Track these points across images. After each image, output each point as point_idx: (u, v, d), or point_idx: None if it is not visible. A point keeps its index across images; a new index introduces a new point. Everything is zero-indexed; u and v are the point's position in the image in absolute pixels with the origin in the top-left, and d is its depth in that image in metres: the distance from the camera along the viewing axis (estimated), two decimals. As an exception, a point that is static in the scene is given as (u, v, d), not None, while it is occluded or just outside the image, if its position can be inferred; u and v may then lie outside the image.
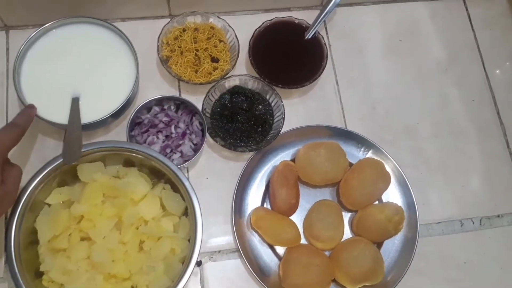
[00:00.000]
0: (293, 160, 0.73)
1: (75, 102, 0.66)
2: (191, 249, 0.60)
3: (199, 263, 0.59)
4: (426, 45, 0.84)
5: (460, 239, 0.73)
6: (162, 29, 0.74)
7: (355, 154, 0.74)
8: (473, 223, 0.74)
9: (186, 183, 0.62)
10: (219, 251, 0.69)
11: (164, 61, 0.73)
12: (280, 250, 0.69)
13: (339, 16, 0.83)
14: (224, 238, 0.69)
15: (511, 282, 0.72)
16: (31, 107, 0.64)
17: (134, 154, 0.65)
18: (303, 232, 0.70)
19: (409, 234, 0.70)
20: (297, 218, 0.71)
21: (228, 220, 0.69)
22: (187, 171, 0.72)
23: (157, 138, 0.69)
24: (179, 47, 0.74)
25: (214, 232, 0.69)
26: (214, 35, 0.76)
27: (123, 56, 0.70)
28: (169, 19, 0.75)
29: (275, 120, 0.73)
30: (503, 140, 0.80)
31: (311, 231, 0.68)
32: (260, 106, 0.74)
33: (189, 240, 0.63)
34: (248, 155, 0.72)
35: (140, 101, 0.69)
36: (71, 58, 0.69)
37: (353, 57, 0.81)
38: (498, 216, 0.75)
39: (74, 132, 0.63)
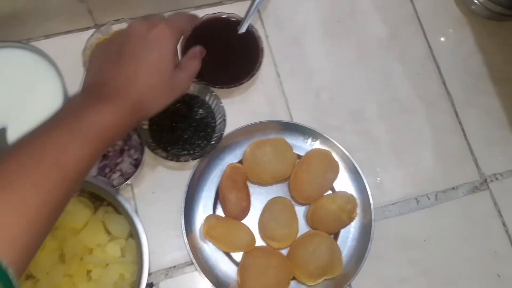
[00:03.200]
0: (240, 161, 0.70)
1: (2, 133, 0.63)
2: (139, 273, 0.58)
3: (150, 285, 0.57)
4: (365, 23, 0.81)
5: (417, 217, 0.72)
6: (87, 42, 0.70)
7: (302, 146, 0.72)
8: (429, 198, 0.74)
9: (126, 206, 0.60)
10: (174, 266, 0.67)
11: (93, 77, 0.70)
12: (238, 256, 0.67)
13: (273, 4, 0.80)
14: (179, 253, 0.67)
15: (473, 253, 0.72)
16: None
17: (69, 181, 0.62)
18: (259, 233, 0.68)
19: (364, 219, 0.69)
20: (252, 220, 0.69)
21: (180, 233, 0.67)
22: (131, 188, 0.69)
23: (94, 159, 0.66)
24: (107, 60, 0.71)
25: (167, 248, 0.67)
26: (142, 42, 0.72)
27: (48, 76, 0.66)
28: (95, 30, 0.71)
29: (217, 123, 0.70)
30: (451, 110, 0.78)
31: (265, 231, 0.67)
32: (201, 110, 0.71)
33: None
34: (194, 163, 0.69)
35: (72, 122, 0.66)
36: (-7, 88, 0.65)
37: (292, 45, 0.79)
38: (453, 188, 0.74)
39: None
